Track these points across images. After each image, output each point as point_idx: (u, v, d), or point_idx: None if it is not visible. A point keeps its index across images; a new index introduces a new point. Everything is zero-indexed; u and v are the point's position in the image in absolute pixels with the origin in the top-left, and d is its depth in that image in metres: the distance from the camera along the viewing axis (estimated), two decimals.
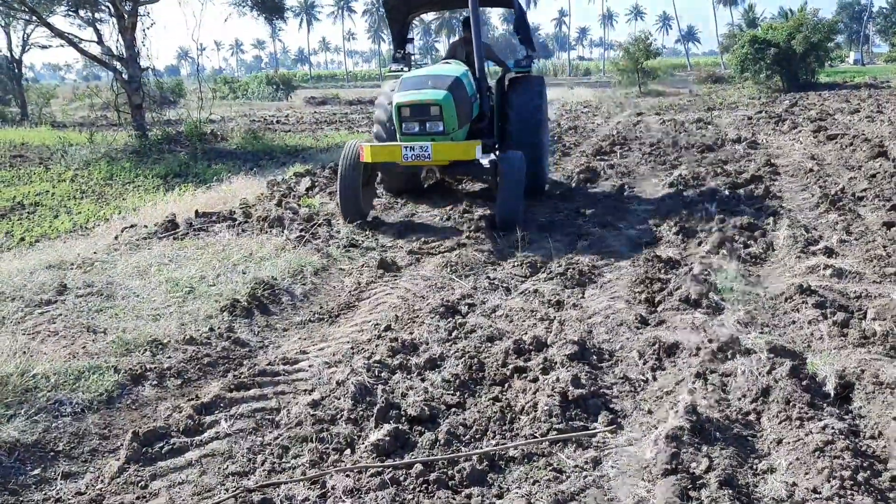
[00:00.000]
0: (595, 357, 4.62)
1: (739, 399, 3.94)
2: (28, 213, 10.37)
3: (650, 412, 3.94)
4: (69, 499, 3.27)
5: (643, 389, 4.24)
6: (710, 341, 4.52)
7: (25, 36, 30.31)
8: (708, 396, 3.92)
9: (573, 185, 10.56)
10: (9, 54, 31.58)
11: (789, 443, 3.45)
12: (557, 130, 18.07)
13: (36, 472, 3.45)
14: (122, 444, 3.61)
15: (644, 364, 4.53)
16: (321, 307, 5.71)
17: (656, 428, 3.65)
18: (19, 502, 3.23)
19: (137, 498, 3.26)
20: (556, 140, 16.22)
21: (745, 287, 5.77)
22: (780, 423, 3.65)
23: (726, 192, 9.45)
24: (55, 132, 21.52)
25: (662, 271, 6.33)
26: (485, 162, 8.58)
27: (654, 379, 4.36)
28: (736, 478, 3.24)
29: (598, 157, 13.25)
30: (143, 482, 3.37)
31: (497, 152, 8.96)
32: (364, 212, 8.33)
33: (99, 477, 3.43)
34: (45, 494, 3.30)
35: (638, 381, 4.34)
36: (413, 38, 11.14)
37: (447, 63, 9.12)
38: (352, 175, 8.06)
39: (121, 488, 3.33)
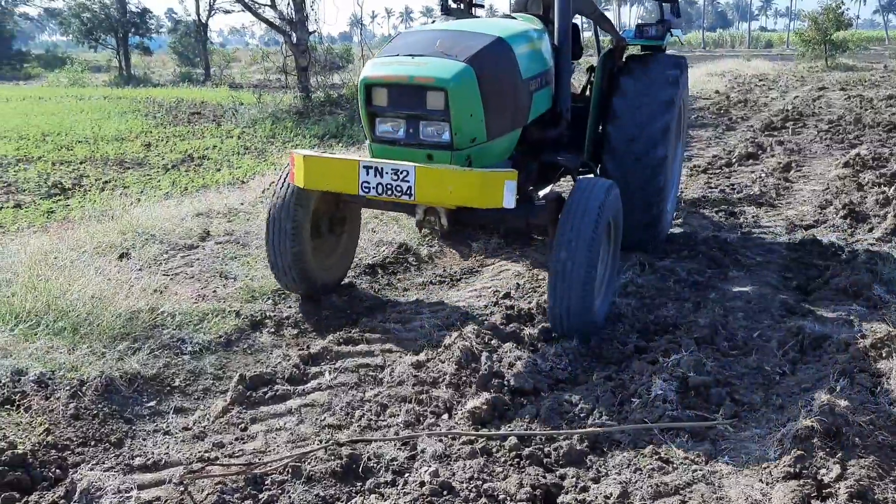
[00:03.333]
0: (727, 343, 4.23)
1: (890, 404, 3.45)
2: (196, 165, 11.09)
3: (781, 408, 3.53)
4: (177, 433, 3.40)
5: (777, 383, 3.83)
6: (863, 337, 4.00)
7: (211, 1, 32.52)
8: (852, 398, 3.46)
9: (733, 160, 9.81)
10: (196, 18, 34.05)
11: None
12: (725, 103, 16.95)
13: (151, 404, 3.62)
14: (231, 386, 3.71)
15: (783, 356, 4.09)
16: (444, 270, 5.63)
17: (784, 426, 3.26)
18: (131, 430, 3.39)
19: (236, 439, 3.33)
20: (722, 113, 15.25)
21: None
22: None
23: None
24: (231, 92, 22.96)
25: (820, 257, 5.72)
26: (540, 195, 4.99)
27: (793, 373, 3.92)
28: (872, 491, 2.82)
29: (766, 133, 12.30)
30: (243, 424, 3.44)
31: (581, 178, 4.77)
32: (315, 277, 4.76)
33: (206, 415, 3.54)
34: (157, 426, 3.45)
35: (773, 374, 3.92)
36: None
37: (511, 18, 5.17)
38: (286, 211, 4.49)
39: (223, 427, 3.42)
